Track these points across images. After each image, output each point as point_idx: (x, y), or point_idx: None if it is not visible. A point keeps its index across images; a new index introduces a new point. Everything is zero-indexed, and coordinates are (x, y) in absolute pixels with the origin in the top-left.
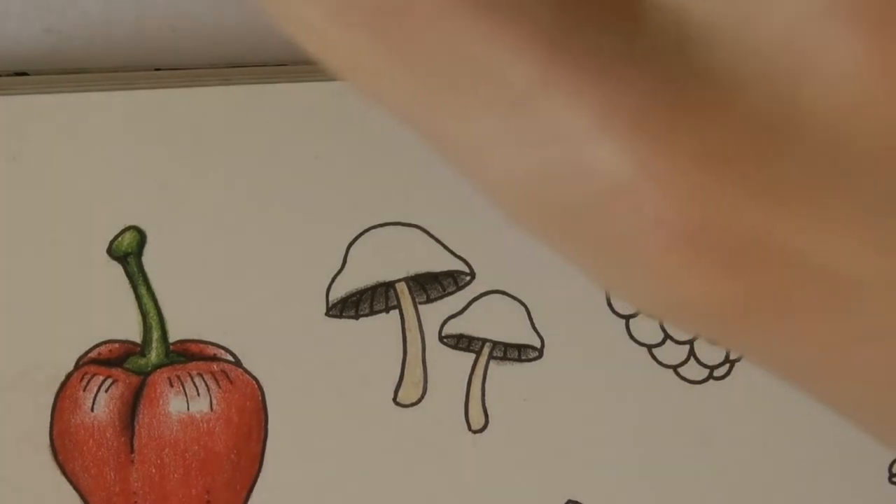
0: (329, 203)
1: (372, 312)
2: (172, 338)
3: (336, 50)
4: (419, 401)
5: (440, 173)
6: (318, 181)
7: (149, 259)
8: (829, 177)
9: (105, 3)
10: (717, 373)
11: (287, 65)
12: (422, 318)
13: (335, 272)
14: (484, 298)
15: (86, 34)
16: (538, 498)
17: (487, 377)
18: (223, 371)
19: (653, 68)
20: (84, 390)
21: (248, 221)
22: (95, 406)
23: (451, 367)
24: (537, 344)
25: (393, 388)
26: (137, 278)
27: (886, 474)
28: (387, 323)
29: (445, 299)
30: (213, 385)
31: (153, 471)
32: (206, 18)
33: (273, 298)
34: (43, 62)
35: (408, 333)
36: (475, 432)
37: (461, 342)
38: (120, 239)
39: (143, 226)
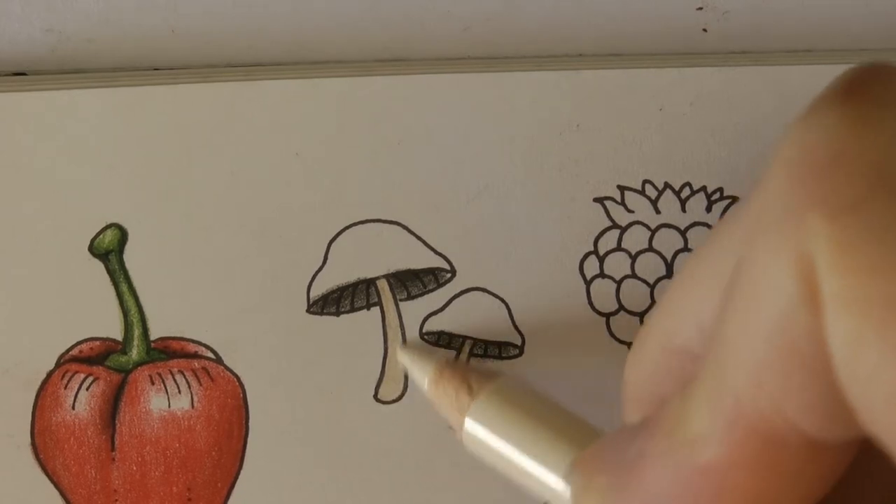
0: (310, 200)
1: (353, 309)
2: (153, 335)
3: None
4: (400, 398)
5: (421, 171)
6: (299, 178)
7: (130, 256)
8: None
9: (105, 3)
10: None
11: (265, 65)
12: (402, 315)
13: (316, 269)
14: (464, 296)
15: (86, 34)
16: (518, 496)
17: None
18: (204, 368)
19: None
20: (65, 388)
21: (228, 219)
22: (76, 404)
23: None
24: (518, 342)
25: (374, 384)
26: (118, 276)
27: None
28: (368, 320)
29: (426, 296)
30: (194, 382)
31: (134, 468)
32: (205, 18)
33: (254, 295)
34: (42, 62)
35: (389, 330)
36: None
37: (441, 339)
38: (101, 237)
39: (124, 223)
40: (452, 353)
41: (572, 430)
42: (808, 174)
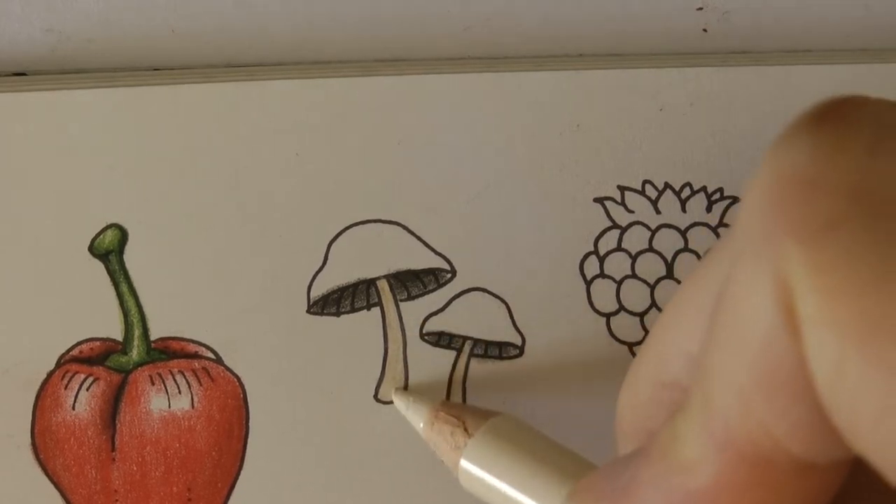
0: (310, 200)
1: (353, 310)
2: (154, 335)
3: None
4: None
5: (421, 171)
6: (299, 179)
7: (130, 257)
8: None
9: (105, 3)
10: None
11: (266, 65)
12: (403, 315)
13: (316, 269)
14: (465, 296)
15: (86, 34)
16: None
17: (468, 375)
18: (204, 368)
19: None
20: (65, 388)
21: (229, 219)
22: (77, 404)
23: (432, 364)
24: (518, 342)
25: (374, 385)
26: (119, 276)
27: None
28: (368, 320)
29: (426, 297)
30: (194, 382)
31: (134, 469)
32: (205, 18)
33: (254, 296)
34: (42, 62)
35: (389, 331)
36: None
37: (442, 339)
38: (101, 237)
39: (124, 223)
40: (444, 396)
41: (567, 464)
42: (783, 199)
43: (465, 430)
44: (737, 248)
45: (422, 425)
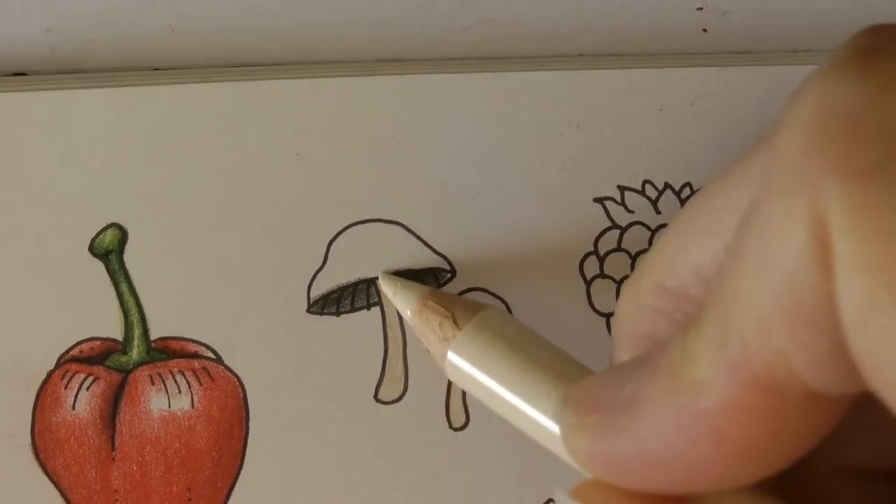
0: (310, 200)
1: (353, 309)
2: (154, 335)
3: None
4: (400, 398)
5: (421, 171)
6: (299, 178)
7: (130, 256)
8: None
9: (105, 3)
10: None
11: (267, 65)
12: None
13: (316, 269)
14: (464, 296)
15: (86, 34)
16: (518, 496)
17: None
18: (204, 368)
19: None
20: (65, 388)
21: (229, 219)
22: (77, 404)
23: (432, 364)
24: None
25: (374, 385)
26: (119, 276)
27: None
28: (368, 320)
29: None
30: (194, 382)
31: (134, 468)
32: (205, 18)
33: (254, 295)
34: (42, 62)
35: (389, 330)
36: (456, 430)
37: None
38: (101, 236)
39: (124, 223)
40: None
41: (560, 365)
42: (827, 135)
43: (454, 322)
44: (770, 175)
45: (409, 313)
